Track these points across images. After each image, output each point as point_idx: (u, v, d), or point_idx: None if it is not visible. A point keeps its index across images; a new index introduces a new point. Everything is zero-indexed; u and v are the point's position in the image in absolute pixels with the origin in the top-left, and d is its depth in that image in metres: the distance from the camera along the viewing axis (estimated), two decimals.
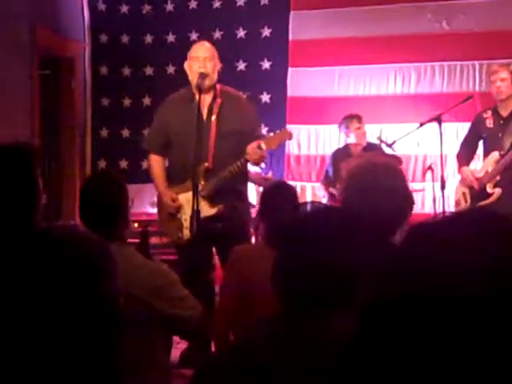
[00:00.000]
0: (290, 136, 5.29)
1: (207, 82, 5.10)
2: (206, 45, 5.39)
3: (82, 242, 1.52)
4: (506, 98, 5.86)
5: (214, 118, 5.16)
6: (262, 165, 7.33)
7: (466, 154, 6.15)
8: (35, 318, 1.40)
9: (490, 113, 6.01)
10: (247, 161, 5.03)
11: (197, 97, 5.08)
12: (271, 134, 5.05)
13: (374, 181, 2.64)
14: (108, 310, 1.48)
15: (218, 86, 5.26)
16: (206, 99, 5.19)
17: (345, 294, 1.78)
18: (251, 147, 4.96)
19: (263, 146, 4.95)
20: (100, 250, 1.52)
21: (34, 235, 1.56)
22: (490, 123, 5.97)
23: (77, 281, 1.43)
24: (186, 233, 5.08)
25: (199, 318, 3.13)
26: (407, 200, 2.74)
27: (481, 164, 6.10)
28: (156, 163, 5.42)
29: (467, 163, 6.09)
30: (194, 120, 5.03)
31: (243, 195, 5.34)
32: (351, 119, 6.66)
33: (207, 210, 5.08)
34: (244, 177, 5.36)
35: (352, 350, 0.92)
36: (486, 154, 5.97)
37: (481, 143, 6.13)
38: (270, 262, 3.31)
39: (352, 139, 6.65)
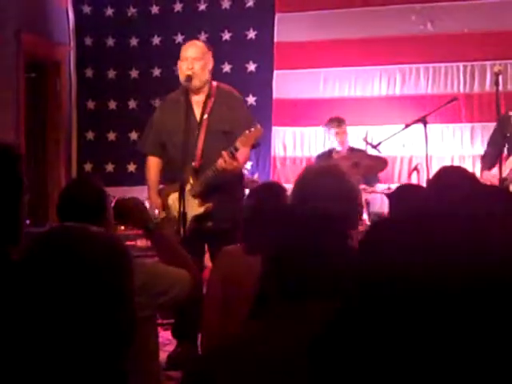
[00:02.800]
0: (260, 132, 5.03)
1: (195, 83, 5.09)
2: (197, 44, 5.36)
3: (99, 239, 1.55)
4: None
5: (205, 116, 5.13)
6: (248, 166, 7.37)
7: (490, 156, 5.98)
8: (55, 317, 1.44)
9: None
10: (217, 169, 4.94)
11: (186, 96, 5.08)
12: (247, 131, 4.96)
13: (314, 187, 2.65)
14: (126, 308, 1.50)
15: (214, 84, 5.24)
16: (199, 98, 5.16)
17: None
18: (221, 157, 4.89)
19: (238, 145, 4.89)
20: (119, 248, 1.56)
21: (50, 235, 1.59)
22: None
23: (98, 277, 1.47)
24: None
25: (188, 289, 3.07)
26: (352, 203, 2.73)
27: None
28: (152, 166, 5.38)
29: (491, 166, 5.89)
30: (184, 121, 5.01)
31: (235, 194, 5.28)
32: (331, 123, 6.71)
33: (196, 209, 5.06)
34: (237, 177, 5.29)
35: (323, 341, 0.94)
36: (510, 152, 5.89)
37: None
38: (251, 266, 3.32)
39: (333, 143, 6.71)
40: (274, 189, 3.78)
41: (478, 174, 6.15)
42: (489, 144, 6.17)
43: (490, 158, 5.98)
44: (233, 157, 4.92)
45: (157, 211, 5.20)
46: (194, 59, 5.14)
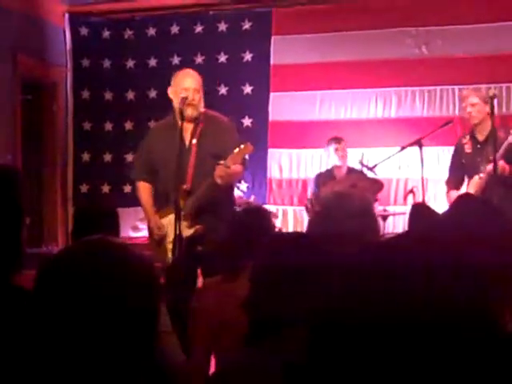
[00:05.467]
0: (251, 149, 5.15)
1: (193, 113, 5.14)
2: (194, 74, 5.35)
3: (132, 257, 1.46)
4: (479, 122, 5.90)
5: (194, 141, 5.18)
6: (244, 188, 7.37)
7: (454, 180, 6.10)
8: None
9: (468, 138, 6.05)
10: (215, 183, 5.00)
11: (179, 124, 5.09)
12: (236, 149, 5.00)
13: (336, 207, 2.68)
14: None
15: (201, 110, 5.26)
16: (189, 125, 5.19)
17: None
18: (217, 168, 4.96)
19: (229, 162, 4.94)
20: (153, 280, 1.48)
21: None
22: (468, 148, 6.00)
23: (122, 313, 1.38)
24: (170, 256, 5.08)
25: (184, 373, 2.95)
26: (368, 226, 2.75)
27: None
28: (143, 191, 5.44)
29: (457, 188, 6.01)
30: (176, 146, 5.04)
31: (224, 216, 5.29)
32: (330, 141, 6.75)
33: (186, 231, 5.08)
34: (227, 198, 5.32)
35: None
36: (469, 178, 5.97)
37: None
38: (231, 296, 3.29)
39: (333, 160, 6.72)
40: (260, 212, 3.78)
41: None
42: (450, 170, 6.21)
43: (455, 182, 6.03)
44: (227, 169, 4.97)
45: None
46: (194, 90, 5.18)
